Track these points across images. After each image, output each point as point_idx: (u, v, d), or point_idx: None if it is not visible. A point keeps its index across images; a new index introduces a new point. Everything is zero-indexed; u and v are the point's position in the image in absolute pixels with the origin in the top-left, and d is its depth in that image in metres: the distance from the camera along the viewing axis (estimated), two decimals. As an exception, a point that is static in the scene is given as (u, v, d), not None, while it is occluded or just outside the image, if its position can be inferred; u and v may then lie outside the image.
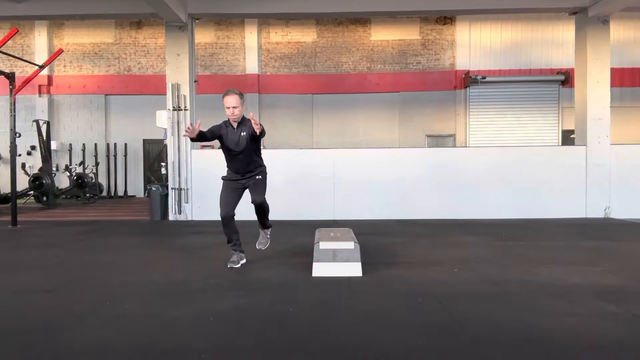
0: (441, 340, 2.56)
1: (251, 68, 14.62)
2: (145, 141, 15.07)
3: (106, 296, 3.45)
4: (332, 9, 8.94)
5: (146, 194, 11.98)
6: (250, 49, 14.62)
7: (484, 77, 13.88)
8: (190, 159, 8.66)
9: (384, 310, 3.07)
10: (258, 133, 4.07)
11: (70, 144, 14.84)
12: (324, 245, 4.15)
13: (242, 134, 4.24)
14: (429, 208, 8.50)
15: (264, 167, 4.51)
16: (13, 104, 8.01)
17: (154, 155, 14.86)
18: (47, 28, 14.70)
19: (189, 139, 8.43)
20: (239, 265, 4.42)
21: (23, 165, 12.41)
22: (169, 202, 8.71)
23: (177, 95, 8.63)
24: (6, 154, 14.00)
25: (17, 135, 8.13)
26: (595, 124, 8.58)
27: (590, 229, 7.08)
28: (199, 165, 8.68)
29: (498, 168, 8.58)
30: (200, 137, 4.24)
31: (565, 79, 13.70)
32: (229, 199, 4.35)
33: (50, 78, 14.80)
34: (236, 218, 4.38)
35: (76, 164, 13.92)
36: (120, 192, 14.98)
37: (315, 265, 4.07)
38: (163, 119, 9.68)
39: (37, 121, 11.94)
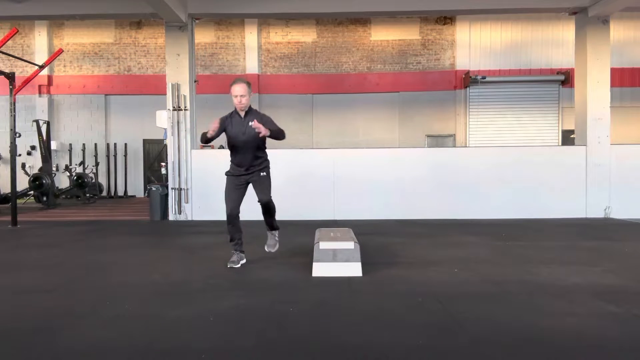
0: (441, 340, 2.56)
1: (251, 68, 14.62)
2: (145, 141, 15.07)
3: (106, 296, 3.45)
4: (332, 9, 8.93)
5: (146, 194, 11.98)
6: (250, 49, 14.62)
7: (484, 77, 13.89)
8: (190, 159, 8.66)
9: (384, 310, 3.07)
10: (267, 135, 4.14)
11: (70, 144, 14.84)
12: (324, 245, 4.15)
13: (249, 123, 4.24)
14: (429, 208, 8.49)
15: (268, 161, 4.49)
16: (13, 104, 8.01)
17: (154, 155, 14.86)
18: (47, 28, 14.70)
19: (188, 139, 8.57)
20: (238, 265, 4.42)
21: (23, 165, 12.41)
22: (169, 202, 8.71)
23: (177, 95, 8.63)
24: (6, 154, 14.00)
25: (17, 135, 8.13)
26: (595, 124, 8.58)
27: (590, 229, 7.08)
28: (199, 165, 8.68)
29: (498, 168, 8.57)
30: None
31: (565, 79, 13.70)
32: (234, 197, 4.35)
33: (50, 78, 14.80)
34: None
35: (76, 164, 13.92)
36: (120, 192, 14.99)
37: (315, 265, 4.07)
38: (163, 119, 9.68)
39: (37, 121, 11.94)
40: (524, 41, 14.37)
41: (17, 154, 8.33)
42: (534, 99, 14.08)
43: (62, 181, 14.43)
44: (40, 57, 13.95)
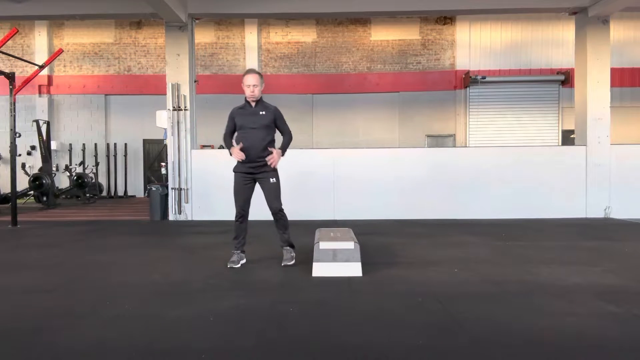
0: (441, 340, 2.55)
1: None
2: (145, 141, 15.07)
3: (106, 296, 3.45)
4: (332, 9, 8.94)
5: (146, 194, 11.99)
6: (250, 49, 14.62)
7: (484, 77, 13.89)
8: (190, 159, 8.66)
9: (384, 310, 3.07)
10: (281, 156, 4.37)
11: (70, 144, 14.85)
12: (324, 245, 4.15)
13: (260, 112, 4.34)
14: (429, 208, 8.50)
15: (276, 157, 4.38)
16: (13, 104, 8.01)
17: (154, 155, 14.87)
18: (47, 28, 14.71)
19: (188, 139, 8.57)
20: (238, 265, 4.42)
21: (23, 165, 12.41)
22: (169, 202, 8.71)
23: (177, 95, 8.63)
24: (6, 154, 14.01)
25: (17, 135, 8.13)
26: (595, 124, 8.58)
27: (590, 229, 7.08)
28: (199, 165, 8.68)
29: (498, 168, 8.58)
30: (232, 133, 4.51)
31: (565, 79, 13.70)
32: (243, 195, 4.39)
33: (50, 78, 14.80)
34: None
35: (76, 164, 13.93)
36: (120, 192, 14.99)
37: (315, 265, 4.07)
38: (163, 119, 9.68)
39: (37, 121, 11.95)
40: (524, 41, 14.37)
41: (17, 154, 8.33)
42: (534, 99, 14.08)
43: (62, 181, 14.44)
44: (40, 57, 13.97)
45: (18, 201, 9.00)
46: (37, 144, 12.64)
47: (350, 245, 4.14)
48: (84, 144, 14.80)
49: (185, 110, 8.64)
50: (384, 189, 8.55)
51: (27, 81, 10.40)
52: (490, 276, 4.00)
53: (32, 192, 11.66)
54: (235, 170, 4.44)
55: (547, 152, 8.92)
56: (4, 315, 3.06)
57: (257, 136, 4.31)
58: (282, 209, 4.43)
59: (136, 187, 15.16)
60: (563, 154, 8.71)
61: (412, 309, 3.10)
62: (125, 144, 14.94)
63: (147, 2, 7.65)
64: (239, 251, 4.51)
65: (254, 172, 4.37)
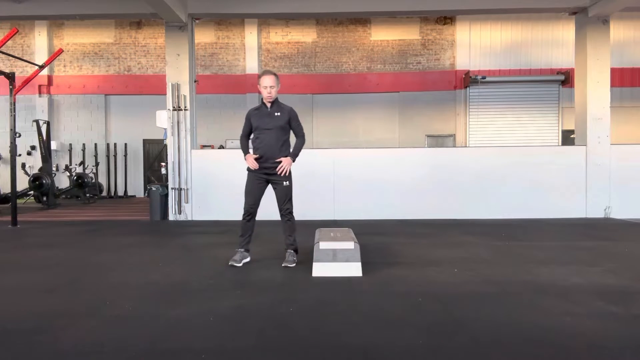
0: (441, 340, 2.56)
1: (251, 68, 14.62)
2: (145, 141, 15.07)
3: (106, 296, 3.45)
4: (332, 9, 8.93)
5: (146, 194, 11.98)
6: (250, 49, 14.62)
7: (484, 77, 13.89)
8: (190, 159, 8.66)
9: (384, 310, 3.07)
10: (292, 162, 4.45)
11: (70, 144, 14.85)
12: (324, 245, 4.15)
13: (276, 113, 4.39)
14: (429, 208, 8.50)
15: (285, 166, 4.41)
16: (13, 104, 8.01)
17: (154, 155, 14.86)
18: (47, 28, 14.70)
19: (188, 139, 8.57)
20: (240, 264, 4.43)
21: (23, 165, 12.41)
22: (169, 202, 8.71)
23: (177, 95, 8.63)
24: (6, 154, 14.01)
25: (17, 135, 8.13)
26: (595, 123, 8.59)
27: (590, 229, 7.08)
28: (199, 165, 8.68)
29: (498, 168, 8.58)
30: (248, 135, 4.56)
31: (565, 79, 13.69)
32: (254, 194, 4.43)
33: (50, 78, 14.80)
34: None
35: (76, 164, 13.92)
36: (120, 192, 14.99)
37: (315, 265, 4.08)
38: (163, 119, 9.68)
39: (37, 121, 11.95)
40: (524, 41, 14.37)
41: (17, 154, 8.33)
42: (534, 99, 14.08)
43: (62, 181, 14.44)
44: (40, 57, 13.97)
45: (18, 201, 8.99)
46: (37, 144, 12.64)
47: (350, 245, 4.14)
48: (84, 144, 14.80)
49: (185, 110, 8.64)
50: (384, 189, 8.55)
51: (27, 81, 10.41)
52: (490, 276, 4.00)
53: (32, 192, 11.66)
54: (248, 169, 4.49)
55: (547, 152, 8.92)
56: (4, 315, 3.06)
57: (272, 137, 4.37)
58: (292, 212, 4.48)
59: (136, 187, 15.17)
60: (563, 154, 8.71)
61: (412, 309, 3.10)
62: (125, 144, 14.94)
63: (147, 2, 7.64)
64: (242, 249, 4.53)
65: (268, 173, 4.42)
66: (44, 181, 11.18)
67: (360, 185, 8.57)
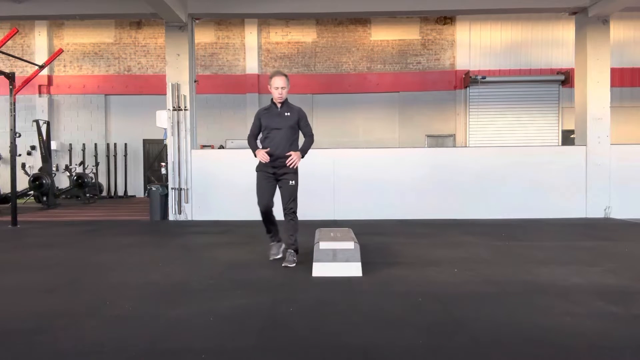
0: (441, 340, 2.55)
1: (251, 68, 14.63)
2: (145, 141, 15.07)
3: (106, 296, 3.45)
4: (332, 9, 8.94)
5: (146, 194, 11.98)
6: (250, 49, 14.62)
7: (484, 77, 13.89)
8: (190, 159, 8.66)
9: (384, 310, 3.07)
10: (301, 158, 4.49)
11: (70, 144, 14.85)
12: (324, 245, 4.15)
13: (285, 113, 4.45)
14: (429, 208, 8.50)
15: (295, 159, 4.42)
16: (13, 104, 8.01)
17: (154, 155, 14.86)
18: (47, 28, 14.71)
19: (188, 139, 8.57)
20: (279, 255, 4.64)
21: (23, 165, 12.41)
22: (169, 202, 8.70)
23: (177, 95, 8.63)
24: (6, 154, 14.01)
25: (17, 135, 8.13)
26: (595, 123, 8.58)
27: (590, 229, 7.08)
28: (199, 165, 8.68)
29: (498, 168, 8.57)
30: (256, 135, 4.63)
31: (565, 79, 13.69)
32: (266, 191, 4.48)
33: (50, 78, 14.80)
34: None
35: (76, 164, 13.92)
36: (120, 192, 14.99)
37: (315, 265, 4.08)
38: (163, 119, 9.68)
39: (37, 121, 11.95)
40: (524, 41, 14.37)
41: (17, 154, 8.33)
42: (534, 99, 14.08)
43: (62, 181, 14.44)
44: (40, 57, 13.96)
45: (18, 201, 8.99)
46: (37, 144, 12.64)
47: (350, 245, 4.15)
48: (84, 144, 14.80)
49: (185, 110, 8.64)
50: (384, 189, 8.55)
51: (27, 81, 10.40)
52: (490, 276, 4.00)
53: (32, 192, 11.66)
54: (257, 169, 4.54)
55: (547, 152, 8.92)
56: (4, 315, 3.06)
57: (282, 137, 4.42)
58: (296, 212, 4.54)
59: (136, 187, 15.17)
60: (563, 154, 8.71)
61: (412, 309, 3.10)
62: (125, 144, 14.94)
63: (147, 2, 7.64)
64: (275, 241, 4.67)
65: (277, 171, 4.47)
66: (44, 181, 11.18)
67: (360, 185, 8.57)
